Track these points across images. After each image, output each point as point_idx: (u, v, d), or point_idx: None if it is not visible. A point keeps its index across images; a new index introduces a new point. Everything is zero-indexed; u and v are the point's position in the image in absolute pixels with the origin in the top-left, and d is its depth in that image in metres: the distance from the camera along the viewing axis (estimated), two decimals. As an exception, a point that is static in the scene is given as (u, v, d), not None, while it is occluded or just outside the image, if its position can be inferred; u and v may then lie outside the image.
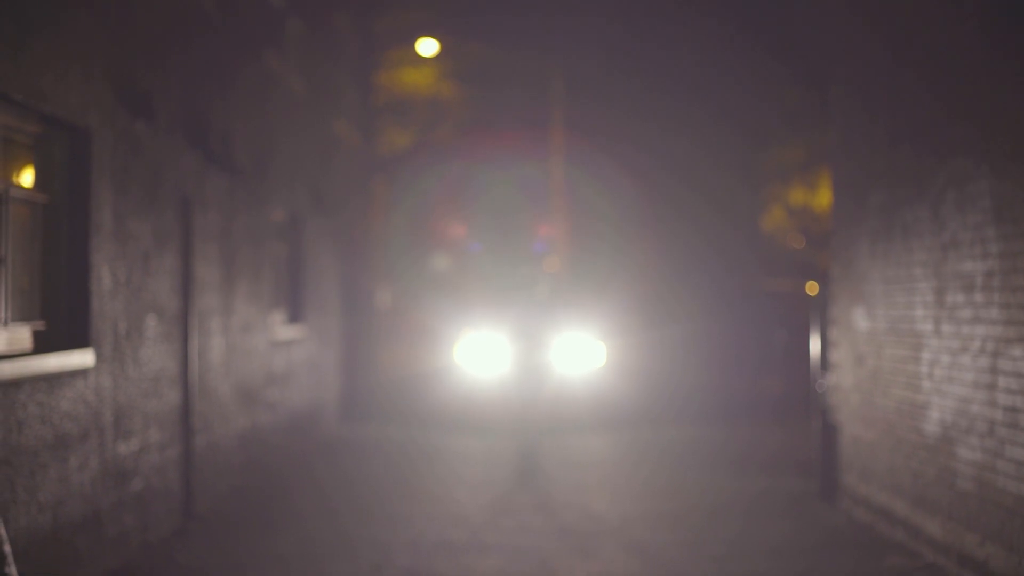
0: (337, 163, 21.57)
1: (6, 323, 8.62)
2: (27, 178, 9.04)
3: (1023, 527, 8.68)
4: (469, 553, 10.88)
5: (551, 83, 31.25)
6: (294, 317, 17.66)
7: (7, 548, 6.10)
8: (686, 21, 37.04)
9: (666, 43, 37.32)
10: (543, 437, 14.10)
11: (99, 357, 9.66)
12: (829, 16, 14.03)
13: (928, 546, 10.48)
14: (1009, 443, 8.92)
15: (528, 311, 14.41)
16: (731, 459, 17.20)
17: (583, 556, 10.80)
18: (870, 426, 12.22)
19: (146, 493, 10.81)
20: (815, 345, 14.06)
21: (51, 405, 8.74)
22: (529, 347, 14.34)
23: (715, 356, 27.66)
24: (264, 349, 15.31)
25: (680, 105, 37.22)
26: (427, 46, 29.30)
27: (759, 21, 36.78)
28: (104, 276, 9.82)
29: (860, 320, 12.57)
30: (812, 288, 27.31)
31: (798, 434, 18.29)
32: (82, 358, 9.26)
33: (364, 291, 24.06)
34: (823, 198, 36.39)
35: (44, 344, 9.06)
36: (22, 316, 8.95)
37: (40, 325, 9.10)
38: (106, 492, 9.81)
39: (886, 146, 11.83)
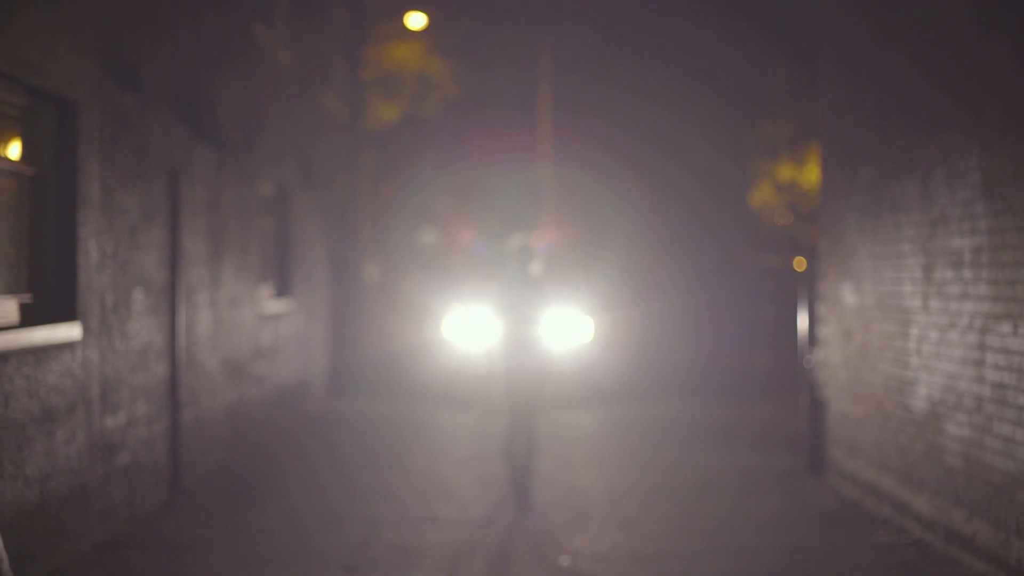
0: (325, 137, 21.52)
1: (-7, 296, 8.59)
2: (14, 150, 9.00)
3: (1010, 503, 8.70)
4: (456, 528, 10.88)
5: (539, 58, 31.23)
6: (282, 291, 17.63)
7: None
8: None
9: (655, 19, 37.28)
10: (532, 413, 12.72)
11: (86, 330, 9.63)
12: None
13: (915, 522, 10.51)
14: (997, 419, 8.94)
15: (517, 285, 12.70)
16: (719, 434, 17.23)
17: (571, 530, 10.81)
18: (858, 402, 12.24)
19: (133, 467, 10.79)
20: (803, 321, 14.07)
21: (38, 378, 8.71)
22: (518, 322, 12.56)
23: (703, 331, 27.72)
24: (252, 323, 15.29)
25: (669, 80, 37.18)
26: (415, 20, 29.22)
27: (749, -4, 36.67)
28: (91, 249, 9.78)
29: (848, 296, 12.57)
30: (800, 264, 27.34)
31: (786, 410, 18.32)
32: (69, 331, 9.23)
33: (352, 265, 24.04)
34: (811, 174, 36.40)
35: (31, 317, 9.03)
36: (9, 289, 8.91)
37: (27, 298, 9.07)
38: (93, 466, 9.79)
39: (875, 121, 11.81)
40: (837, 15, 13.29)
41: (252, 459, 14.45)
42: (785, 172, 39.64)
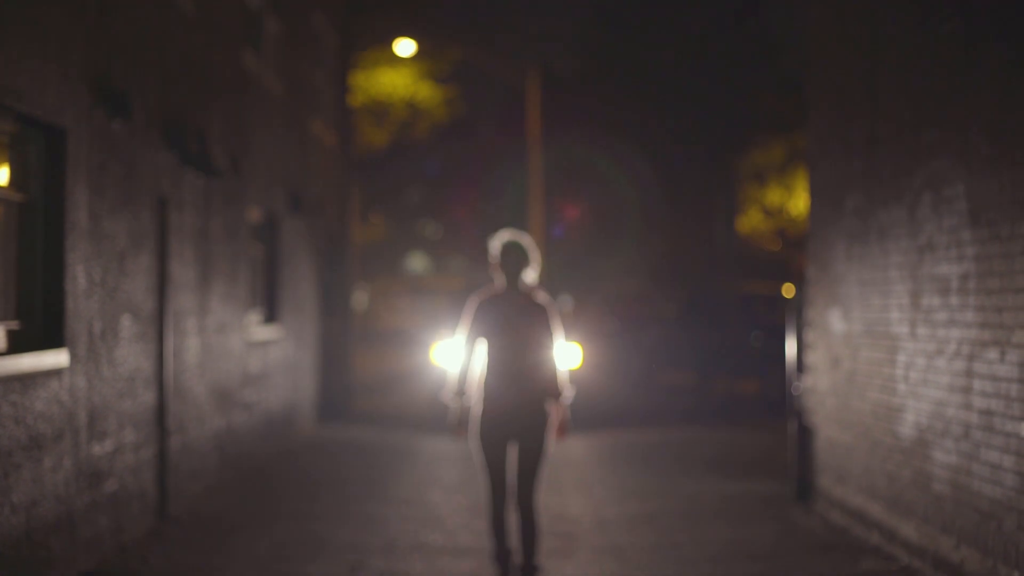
0: (314, 163, 21.54)
1: (-20, 323, 8.57)
2: (2, 177, 8.99)
3: (998, 530, 8.70)
4: (445, 556, 10.86)
5: (527, 83, 31.33)
6: (270, 318, 17.62)
7: None
8: (664, 23, 37.10)
9: (644, 45, 37.36)
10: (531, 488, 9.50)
11: (74, 357, 9.61)
12: (806, 18, 14.05)
13: (903, 549, 10.50)
14: (984, 446, 8.94)
15: (503, 299, 9.24)
16: (707, 461, 17.22)
17: (559, 558, 10.79)
18: (846, 429, 12.24)
19: (120, 494, 10.76)
20: (791, 347, 14.08)
21: (25, 405, 8.69)
22: (506, 350, 9.22)
23: (691, 358, 27.71)
24: (240, 350, 15.27)
25: (658, 107, 37.24)
26: (404, 47, 29.29)
27: (737, 24, 36.84)
28: (79, 276, 9.78)
29: (836, 322, 12.59)
30: (788, 290, 27.39)
31: (774, 436, 18.32)
32: (56, 358, 9.21)
33: (341, 292, 24.04)
34: (800, 200, 36.52)
35: (18, 344, 9.01)
36: (-4, 316, 8.91)
37: (14, 325, 9.05)
38: (80, 493, 9.77)
39: (863, 148, 11.85)
40: (825, 43, 13.34)
41: (240, 486, 14.41)
42: (774, 198, 39.75)
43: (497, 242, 9.35)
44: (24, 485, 8.68)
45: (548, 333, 9.26)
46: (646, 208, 38.12)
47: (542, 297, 9.36)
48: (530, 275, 9.32)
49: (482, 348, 9.25)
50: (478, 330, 9.21)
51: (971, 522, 9.18)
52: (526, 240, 9.39)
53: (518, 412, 9.14)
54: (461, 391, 9.22)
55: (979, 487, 9.04)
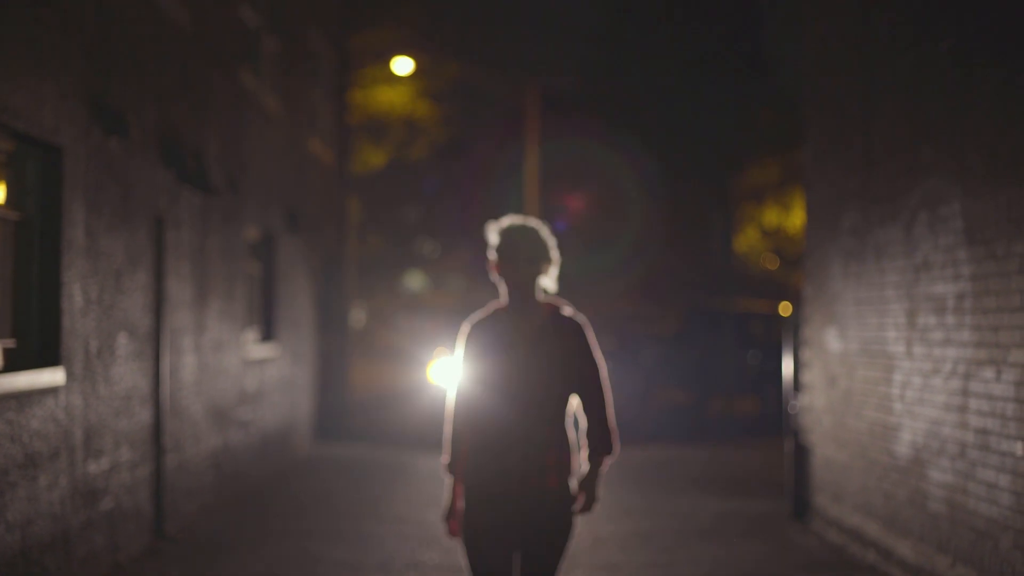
0: (312, 182, 21.55)
1: (-24, 341, 8.57)
2: (-2, 195, 9.01)
3: (994, 549, 8.70)
4: (440, 574, 10.84)
5: (525, 101, 31.37)
6: (267, 336, 17.61)
7: None
8: (662, 41, 37.17)
9: (641, 63, 37.42)
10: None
11: (70, 375, 9.61)
12: (803, 37, 14.08)
13: (899, 568, 10.50)
14: (980, 465, 8.94)
15: (511, 329, 6.17)
16: (704, 479, 17.20)
17: (555, 577, 10.77)
18: (842, 447, 12.24)
19: (116, 513, 10.75)
20: (788, 366, 14.08)
21: (21, 423, 8.69)
22: (513, 382, 6.15)
23: (688, 376, 27.71)
24: (237, 368, 15.26)
25: (655, 124, 37.28)
26: (402, 65, 29.33)
27: (734, 42, 36.92)
28: (76, 294, 9.78)
29: (832, 341, 12.59)
30: (785, 309, 27.40)
31: (771, 455, 18.31)
32: (52, 376, 9.21)
33: (338, 310, 24.04)
34: (797, 218, 36.57)
35: (14, 362, 9.01)
36: (-8, 334, 8.90)
37: (10, 343, 9.05)
38: (76, 512, 9.75)
39: (860, 167, 11.87)
40: (821, 62, 13.37)
41: (236, 505, 14.39)
42: (771, 217, 39.80)
43: (496, 230, 6.32)
44: (19, 503, 8.67)
45: (589, 363, 6.21)
46: (642, 226, 38.14)
47: (569, 311, 6.30)
48: (548, 280, 6.31)
49: (473, 396, 6.25)
50: (473, 368, 6.26)
51: (967, 541, 9.17)
52: (540, 227, 6.33)
53: (523, 501, 6.08)
54: (458, 459, 6.35)
55: (975, 506, 9.04)
